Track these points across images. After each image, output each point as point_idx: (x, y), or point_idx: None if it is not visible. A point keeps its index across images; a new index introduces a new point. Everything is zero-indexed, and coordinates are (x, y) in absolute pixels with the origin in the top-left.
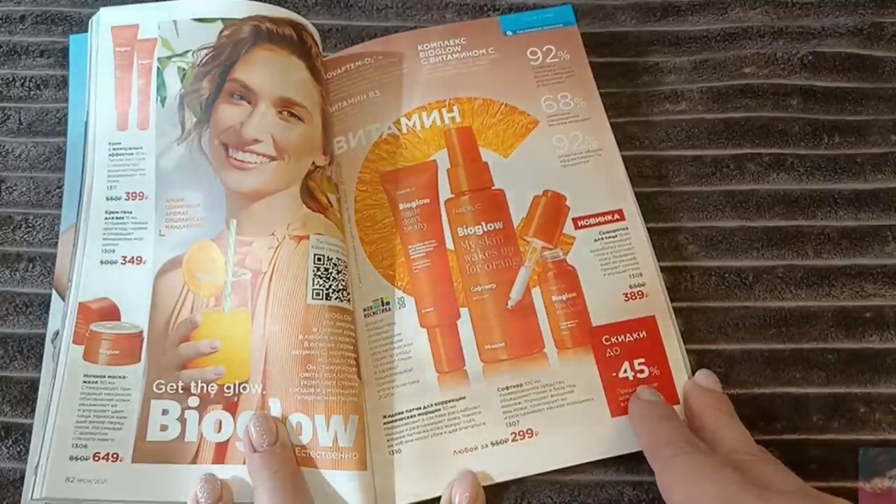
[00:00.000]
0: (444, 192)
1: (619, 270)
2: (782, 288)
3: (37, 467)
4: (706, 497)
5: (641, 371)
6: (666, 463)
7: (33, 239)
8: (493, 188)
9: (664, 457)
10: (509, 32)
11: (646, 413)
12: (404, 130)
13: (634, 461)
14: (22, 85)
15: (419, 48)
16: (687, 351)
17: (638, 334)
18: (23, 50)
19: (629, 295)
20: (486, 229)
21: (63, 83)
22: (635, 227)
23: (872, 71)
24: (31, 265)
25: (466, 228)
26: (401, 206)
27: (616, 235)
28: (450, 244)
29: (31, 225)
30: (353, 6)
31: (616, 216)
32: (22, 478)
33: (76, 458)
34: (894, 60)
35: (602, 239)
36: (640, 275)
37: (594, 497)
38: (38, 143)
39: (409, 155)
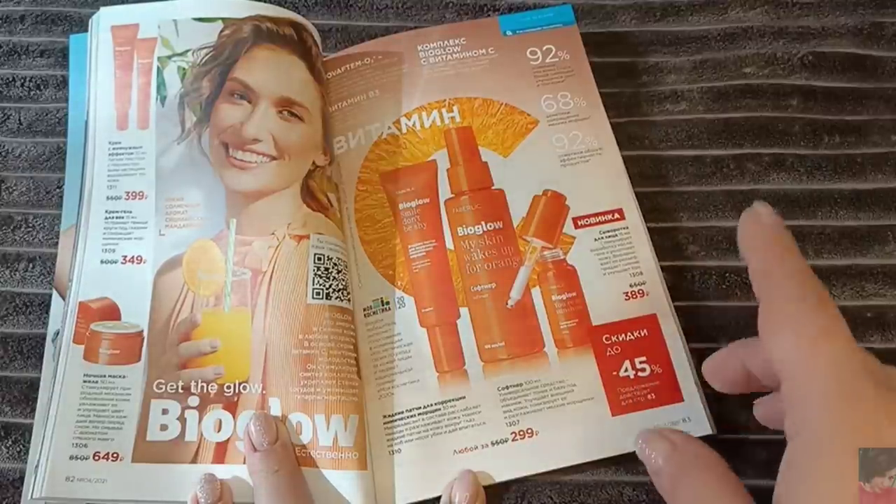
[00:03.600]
0: (444, 192)
1: (620, 270)
2: None
3: (37, 466)
4: None
5: (643, 369)
6: None
7: (33, 239)
8: (493, 188)
9: None
10: (509, 32)
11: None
12: (404, 130)
13: (635, 461)
14: (22, 85)
15: (419, 48)
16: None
17: (639, 332)
18: (23, 50)
19: (630, 294)
20: (486, 229)
21: (63, 83)
22: (635, 226)
23: (872, 71)
24: (31, 265)
25: (466, 228)
26: (401, 206)
27: (616, 235)
28: (450, 244)
29: (31, 225)
30: (353, 6)
31: (616, 215)
32: (22, 478)
33: (76, 458)
34: (894, 60)
35: (602, 238)
36: (641, 273)
37: (594, 497)
38: (38, 143)
39: (408, 155)
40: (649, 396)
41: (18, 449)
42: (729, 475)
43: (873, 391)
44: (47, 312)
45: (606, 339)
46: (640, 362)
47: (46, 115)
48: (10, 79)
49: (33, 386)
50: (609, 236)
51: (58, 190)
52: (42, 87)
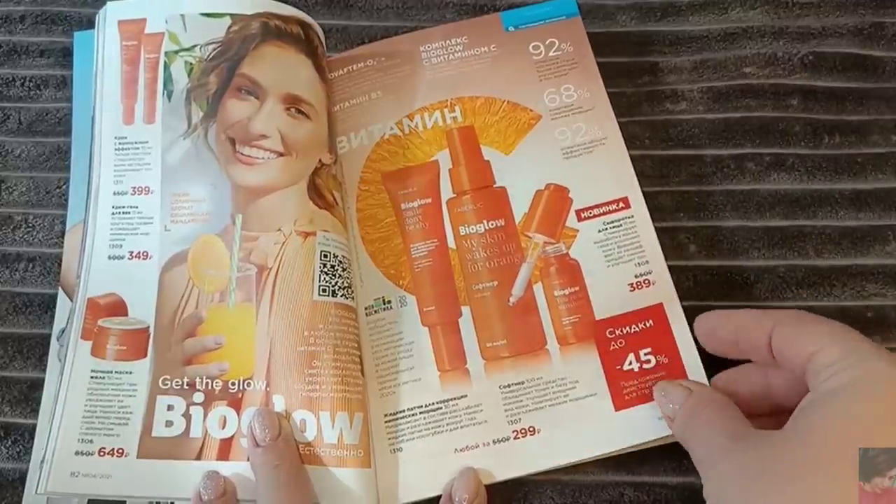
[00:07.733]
0: (446, 192)
1: (624, 260)
2: (783, 288)
3: (42, 462)
4: None
5: (648, 361)
6: None
7: (33, 239)
8: (494, 186)
9: None
10: (511, 28)
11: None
12: (406, 131)
13: (635, 462)
14: (22, 85)
15: (421, 49)
16: None
17: (644, 324)
18: (23, 50)
19: (635, 285)
20: (487, 227)
21: (63, 83)
22: (641, 215)
23: (872, 71)
24: (31, 265)
25: (468, 227)
26: (403, 206)
27: (621, 224)
28: (451, 243)
29: (31, 225)
30: (353, 6)
31: (621, 204)
32: (21, 478)
33: (81, 453)
34: (894, 60)
35: (606, 229)
36: (647, 262)
37: (595, 498)
38: (38, 143)
39: (411, 155)
40: None
41: (18, 449)
42: (737, 413)
43: None
44: (47, 312)
45: (610, 332)
46: (646, 354)
47: (46, 115)
48: (10, 79)
49: (33, 386)
50: (613, 226)
51: (58, 190)
52: (42, 87)
